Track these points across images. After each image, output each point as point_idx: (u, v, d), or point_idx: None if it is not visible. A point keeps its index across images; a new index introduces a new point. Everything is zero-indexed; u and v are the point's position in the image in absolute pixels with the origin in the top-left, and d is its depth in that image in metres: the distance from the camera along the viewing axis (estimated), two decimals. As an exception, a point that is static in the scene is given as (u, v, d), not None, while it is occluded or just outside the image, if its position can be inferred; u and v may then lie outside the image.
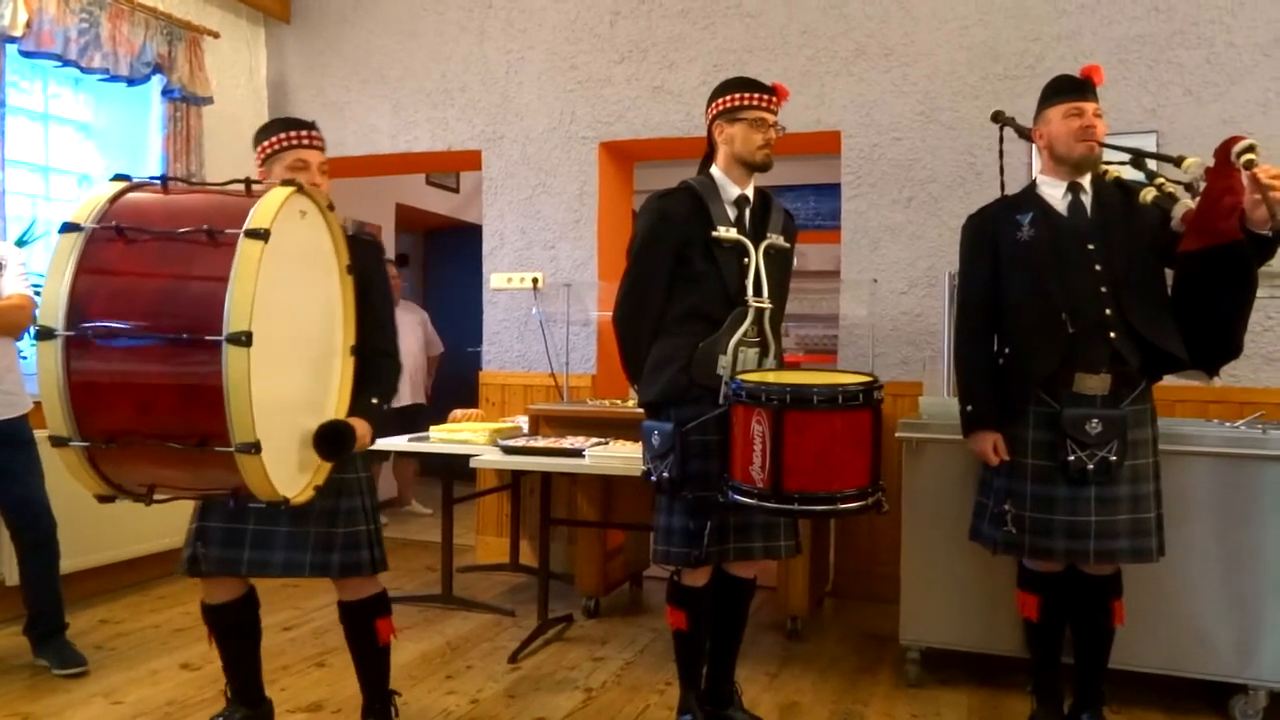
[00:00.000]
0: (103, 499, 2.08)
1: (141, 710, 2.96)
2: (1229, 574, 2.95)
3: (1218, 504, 2.96)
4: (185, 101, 4.63)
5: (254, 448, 1.90)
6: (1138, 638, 2.92)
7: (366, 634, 2.57)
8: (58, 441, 1.94)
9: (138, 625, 3.79)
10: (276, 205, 1.99)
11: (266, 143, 2.46)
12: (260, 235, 1.92)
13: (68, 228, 1.96)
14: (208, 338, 1.88)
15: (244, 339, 1.86)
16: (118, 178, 2.10)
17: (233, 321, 1.87)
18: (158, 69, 4.50)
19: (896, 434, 3.29)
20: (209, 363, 1.88)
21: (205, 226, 1.93)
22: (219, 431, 1.90)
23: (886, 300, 4.32)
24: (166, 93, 4.57)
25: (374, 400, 2.46)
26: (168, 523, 4.37)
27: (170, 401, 1.92)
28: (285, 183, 2.11)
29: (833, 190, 4.54)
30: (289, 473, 2.13)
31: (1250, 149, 2.26)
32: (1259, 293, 2.58)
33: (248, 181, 2.09)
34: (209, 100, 4.76)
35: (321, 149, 2.50)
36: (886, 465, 3.79)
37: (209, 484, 2.08)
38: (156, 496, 2.09)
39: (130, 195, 2.06)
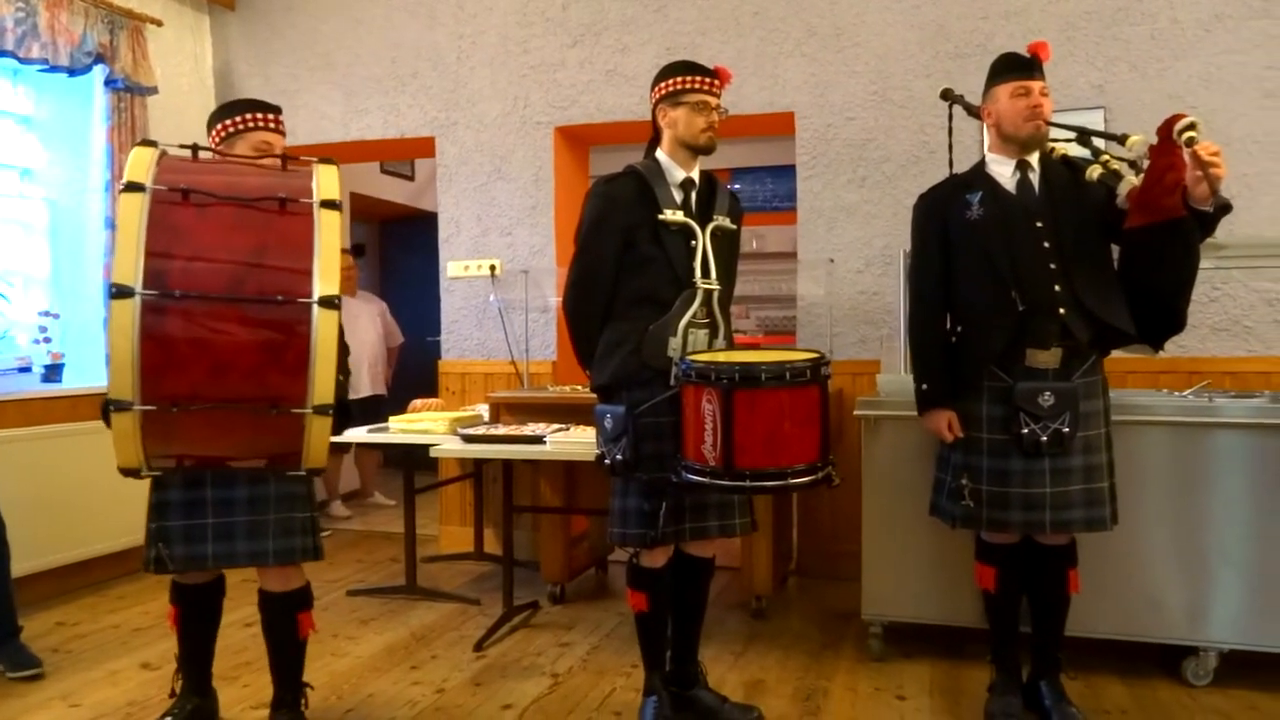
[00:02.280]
0: (128, 473, 2.09)
1: (101, 712, 2.92)
2: (1180, 540, 3.02)
3: (1169, 472, 3.02)
4: (129, 92, 4.53)
5: (329, 409, 2.00)
6: (1093, 605, 2.98)
7: (289, 627, 2.57)
8: (119, 406, 1.95)
9: (96, 626, 3.74)
10: (337, 179, 2.13)
11: (229, 121, 2.49)
12: (335, 206, 2.07)
13: (131, 187, 2.00)
14: (300, 300, 1.96)
15: (335, 302, 1.98)
16: (145, 143, 2.14)
17: (322, 286, 1.97)
18: (99, 59, 4.40)
19: (855, 412, 3.32)
20: (296, 325, 1.96)
21: (280, 195, 2.04)
22: (294, 394, 1.98)
23: (843, 280, 4.35)
24: (109, 83, 4.47)
25: (340, 378, 2.49)
26: (123, 522, 4.33)
27: (250, 363, 1.98)
28: (323, 160, 2.20)
29: (790, 172, 4.56)
30: None
31: (1191, 126, 2.29)
32: (1206, 264, 2.63)
33: (284, 157, 2.22)
34: (153, 90, 4.66)
35: (284, 134, 2.56)
36: (847, 443, 3.85)
37: (258, 450, 2.15)
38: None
39: (168, 160, 2.11)
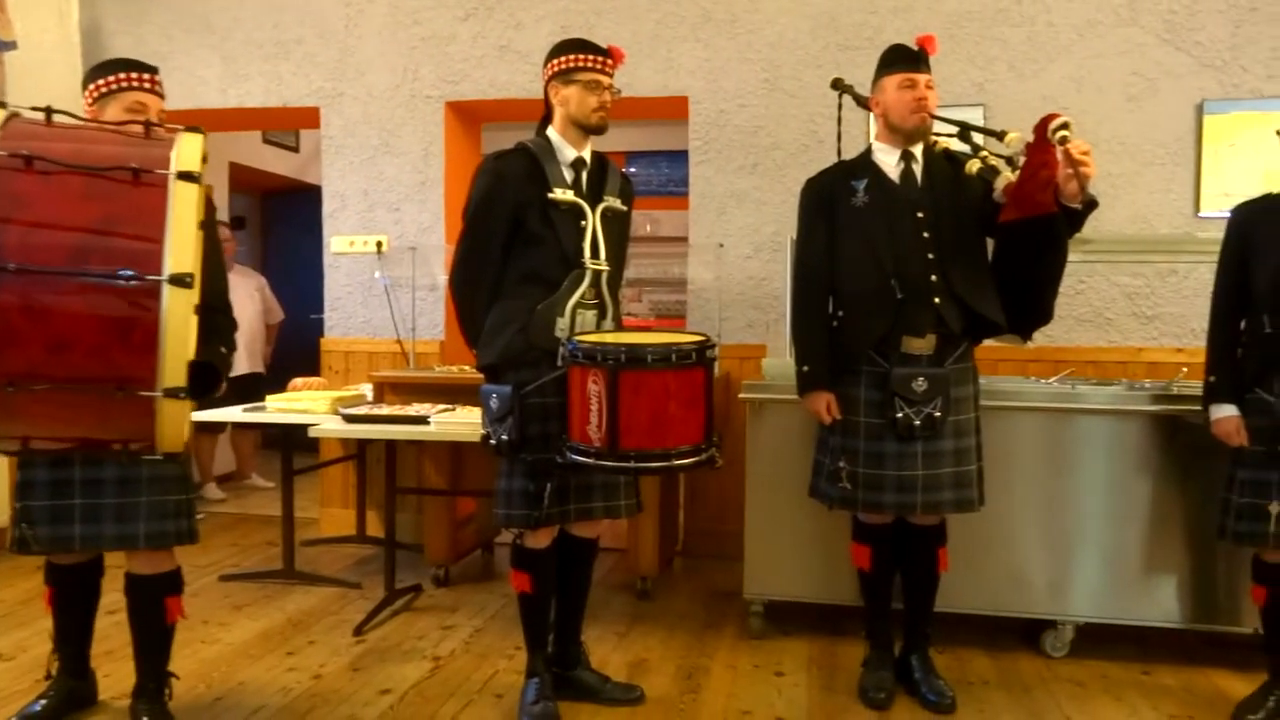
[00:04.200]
0: None
1: (-56, 706, 2.75)
2: (1044, 519, 3.17)
3: (1034, 455, 3.17)
4: (-17, 45, 4.23)
5: (181, 392, 1.90)
6: (961, 582, 3.10)
7: (155, 612, 2.49)
8: None
9: (-60, 616, 3.51)
10: (199, 149, 2.01)
11: (103, 80, 2.40)
12: (194, 179, 1.95)
13: None
14: (149, 277, 1.86)
15: (187, 281, 1.88)
16: None
17: (174, 264, 1.87)
18: (-51, 8, 4.09)
19: (740, 395, 3.36)
20: (144, 303, 1.86)
21: (134, 165, 1.92)
22: (142, 376, 1.88)
23: (733, 265, 4.40)
24: (-40, 35, 4.16)
25: (222, 349, 2.45)
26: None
27: (92, 341, 1.87)
28: (190, 129, 2.08)
29: (685, 157, 4.58)
30: None
31: (1064, 126, 2.38)
32: (1072, 258, 2.76)
33: (147, 123, 2.09)
34: (12, 45, 4.36)
35: (162, 96, 2.47)
36: (734, 426, 3.91)
37: (108, 433, 2.05)
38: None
39: (15, 124, 1.98)
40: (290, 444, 3.99)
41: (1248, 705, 2.71)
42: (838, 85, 3.06)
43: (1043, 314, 2.74)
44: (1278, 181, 2.72)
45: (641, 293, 7.23)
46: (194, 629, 3.35)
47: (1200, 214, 4.04)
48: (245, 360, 5.53)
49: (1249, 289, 2.64)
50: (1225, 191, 3.93)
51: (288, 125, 6.32)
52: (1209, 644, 3.23)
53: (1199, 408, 2.79)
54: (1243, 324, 2.68)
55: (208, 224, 2.33)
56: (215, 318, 2.45)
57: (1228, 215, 2.78)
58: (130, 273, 1.86)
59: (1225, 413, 2.67)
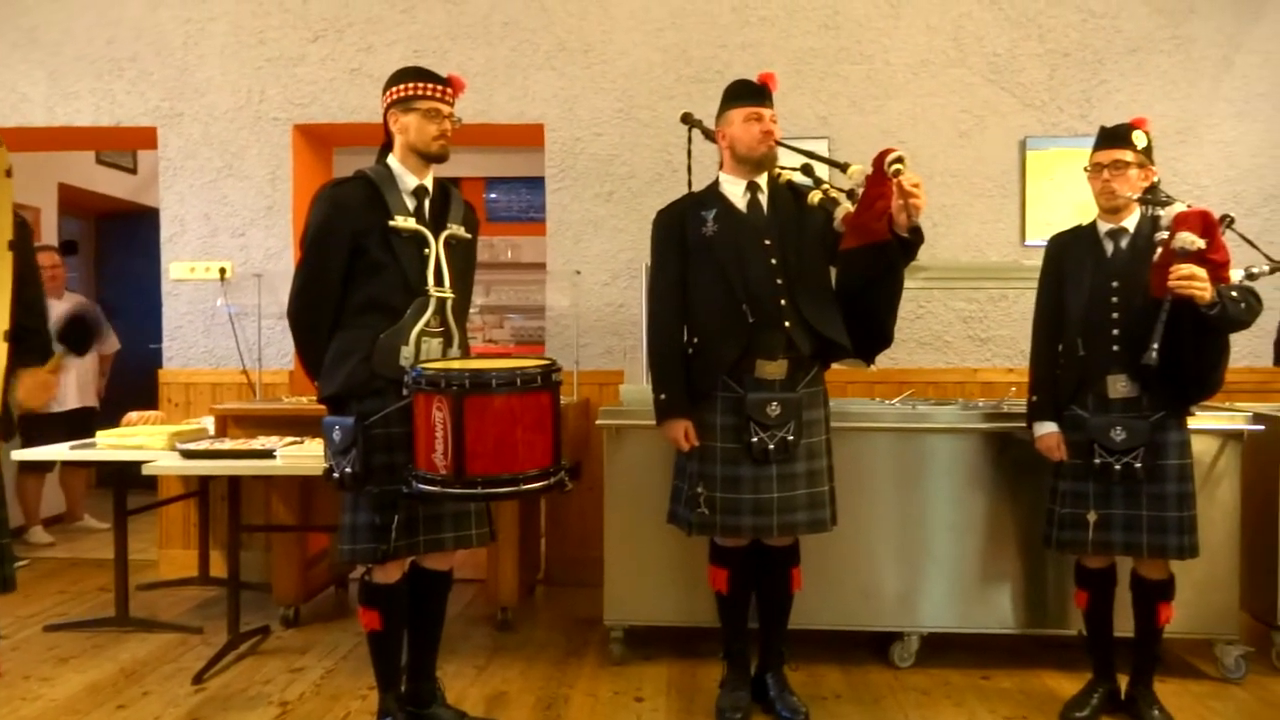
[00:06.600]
0: None
1: None
2: (891, 535, 3.30)
3: (882, 474, 3.29)
4: None
5: None
6: (814, 599, 3.18)
7: None
8: None
9: None
10: None
11: None
12: None
13: None
14: None
15: None
16: None
17: None
18: None
19: (597, 421, 3.37)
20: None
21: None
22: None
23: (590, 292, 4.42)
24: None
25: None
26: None
27: None
28: None
29: (544, 183, 4.58)
30: None
31: (899, 160, 2.51)
32: (912, 285, 2.90)
33: None
34: None
35: None
36: (594, 452, 3.91)
37: None
38: None
39: None
40: (124, 482, 3.75)
41: (1074, 703, 2.89)
42: (687, 120, 3.14)
43: (883, 338, 2.86)
44: (1088, 213, 2.91)
45: (503, 319, 7.18)
46: (13, 685, 3.10)
47: (1026, 242, 4.32)
48: (76, 394, 5.21)
49: (1064, 314, 2.83)
50: (1047, 221, 4.21)
51: (122, 145, 6.00)
52: (1041, 647, 3.42)
53: (1025, 424, 2.96)
54: (1060, 346, 2.86)
55: (18, 243, 2.20)
56: (31, 339, 2.32)
57: (1047, 244, 2.97)
58: None
59: (1046, 429, 2.85)
